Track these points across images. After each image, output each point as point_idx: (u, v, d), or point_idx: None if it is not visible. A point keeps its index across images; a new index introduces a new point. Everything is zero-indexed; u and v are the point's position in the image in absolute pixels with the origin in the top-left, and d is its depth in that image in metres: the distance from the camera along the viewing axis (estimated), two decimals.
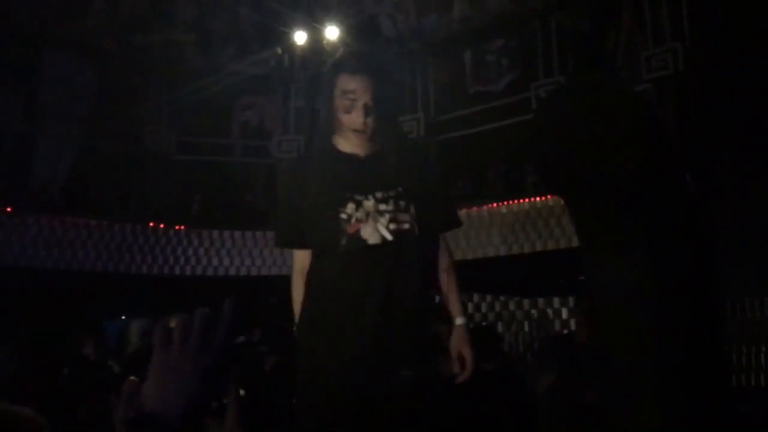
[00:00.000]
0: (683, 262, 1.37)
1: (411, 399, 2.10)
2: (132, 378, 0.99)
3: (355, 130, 2.22)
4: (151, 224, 6.82)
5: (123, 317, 7.77)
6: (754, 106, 4.65)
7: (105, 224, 6.59)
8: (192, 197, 7.25)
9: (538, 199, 6.02)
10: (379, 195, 2.15)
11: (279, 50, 7.56)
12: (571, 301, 7.35)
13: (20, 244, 6.14)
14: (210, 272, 7.02)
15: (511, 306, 8.11)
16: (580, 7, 6.30)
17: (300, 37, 7.48)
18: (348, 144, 2.26)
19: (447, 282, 2.27)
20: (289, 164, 2.42)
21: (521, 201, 6.13)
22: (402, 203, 2.16)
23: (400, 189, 2.17)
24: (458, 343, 2.22)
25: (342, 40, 7.32)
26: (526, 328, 7.99)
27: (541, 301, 7.95)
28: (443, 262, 2.29)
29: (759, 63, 4.63)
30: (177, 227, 6.94)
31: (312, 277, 2.22)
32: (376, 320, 2.10)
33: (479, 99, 6.77)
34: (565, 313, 7.67)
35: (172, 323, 0.92)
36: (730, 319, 4.56)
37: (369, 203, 2.14)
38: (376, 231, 2.12)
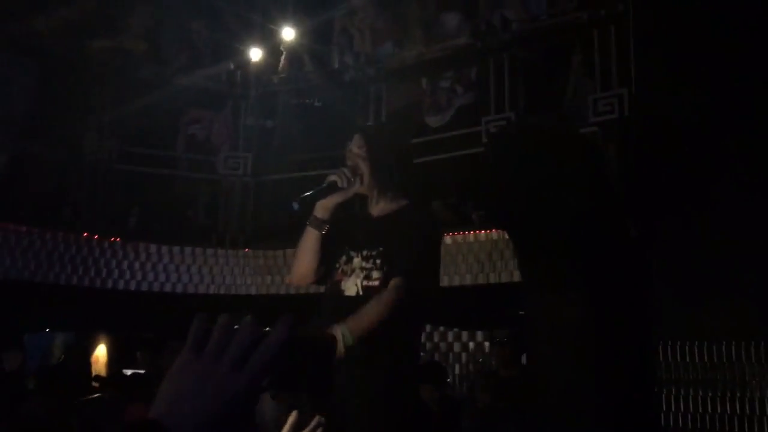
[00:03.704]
0: (620, 304, 1.39)
1: None
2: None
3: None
4: (85, 234, 6.58)
5: (47, 330, 7.45)
6: (697, 154, 4.80)
7: (35, 231, 6.32)
8: (130, 209, 7.04)
9: (483, 232, 6.05)
10: (365, 253, 2.38)
11: (232, 66, 7.48)
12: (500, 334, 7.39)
13: None
14: (144, 287, 6.78)
15: (450, 338, 8.11)
16: (533, 47, 6.43)
17: (255, 54, 7.42)
18: (371, 203, 2.51)
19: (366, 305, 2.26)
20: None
21: (466, 233, 6.15)
22: (379, 262, 2.35)
23: (381, 249, 2.37)
24: None
25: (299, 47, 7.31)
26: (464, 361, 7.99)
27: (479, 334, 7.97)
28: (377, 297, 2.27)
29: (703, 113, 4.79)
30: (112, 239, 6.72)
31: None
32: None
33: (430, 129, 6.81)
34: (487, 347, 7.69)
35: (216, 323, 0.74)
36: (661, 361, 4.67)
37: (357, 259, 2.38)
38: (354, 285, 2.35)
